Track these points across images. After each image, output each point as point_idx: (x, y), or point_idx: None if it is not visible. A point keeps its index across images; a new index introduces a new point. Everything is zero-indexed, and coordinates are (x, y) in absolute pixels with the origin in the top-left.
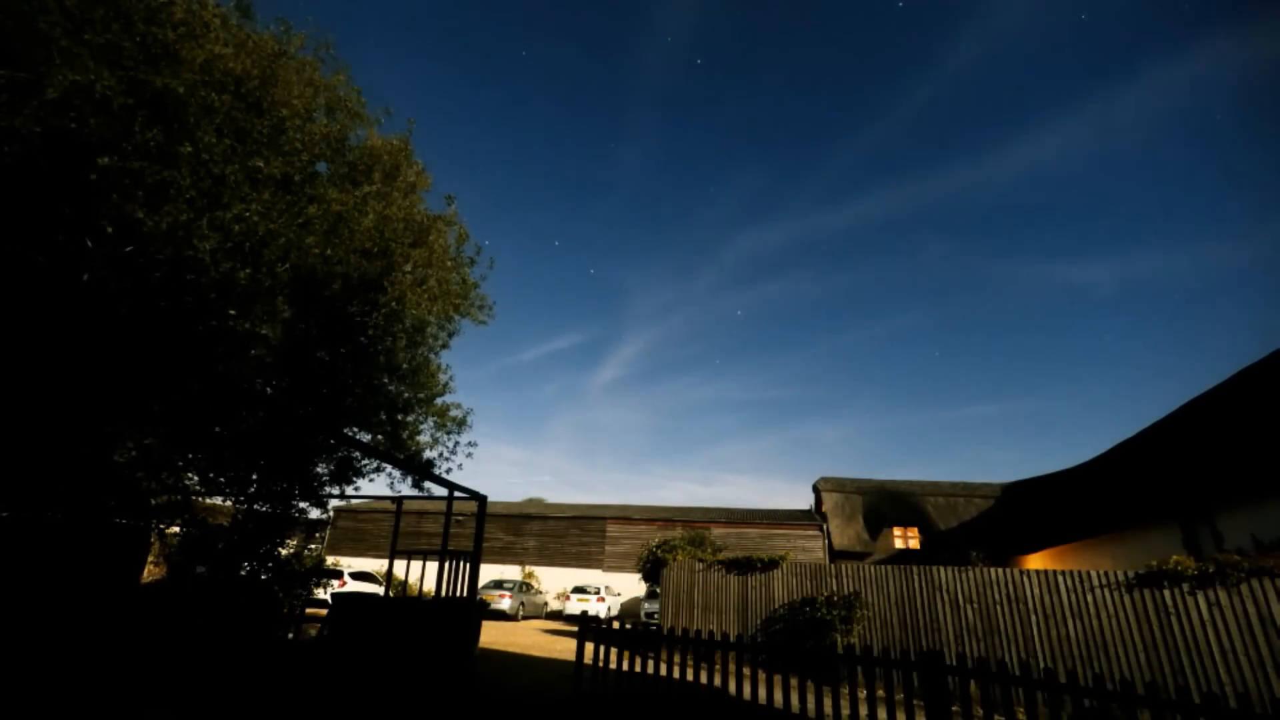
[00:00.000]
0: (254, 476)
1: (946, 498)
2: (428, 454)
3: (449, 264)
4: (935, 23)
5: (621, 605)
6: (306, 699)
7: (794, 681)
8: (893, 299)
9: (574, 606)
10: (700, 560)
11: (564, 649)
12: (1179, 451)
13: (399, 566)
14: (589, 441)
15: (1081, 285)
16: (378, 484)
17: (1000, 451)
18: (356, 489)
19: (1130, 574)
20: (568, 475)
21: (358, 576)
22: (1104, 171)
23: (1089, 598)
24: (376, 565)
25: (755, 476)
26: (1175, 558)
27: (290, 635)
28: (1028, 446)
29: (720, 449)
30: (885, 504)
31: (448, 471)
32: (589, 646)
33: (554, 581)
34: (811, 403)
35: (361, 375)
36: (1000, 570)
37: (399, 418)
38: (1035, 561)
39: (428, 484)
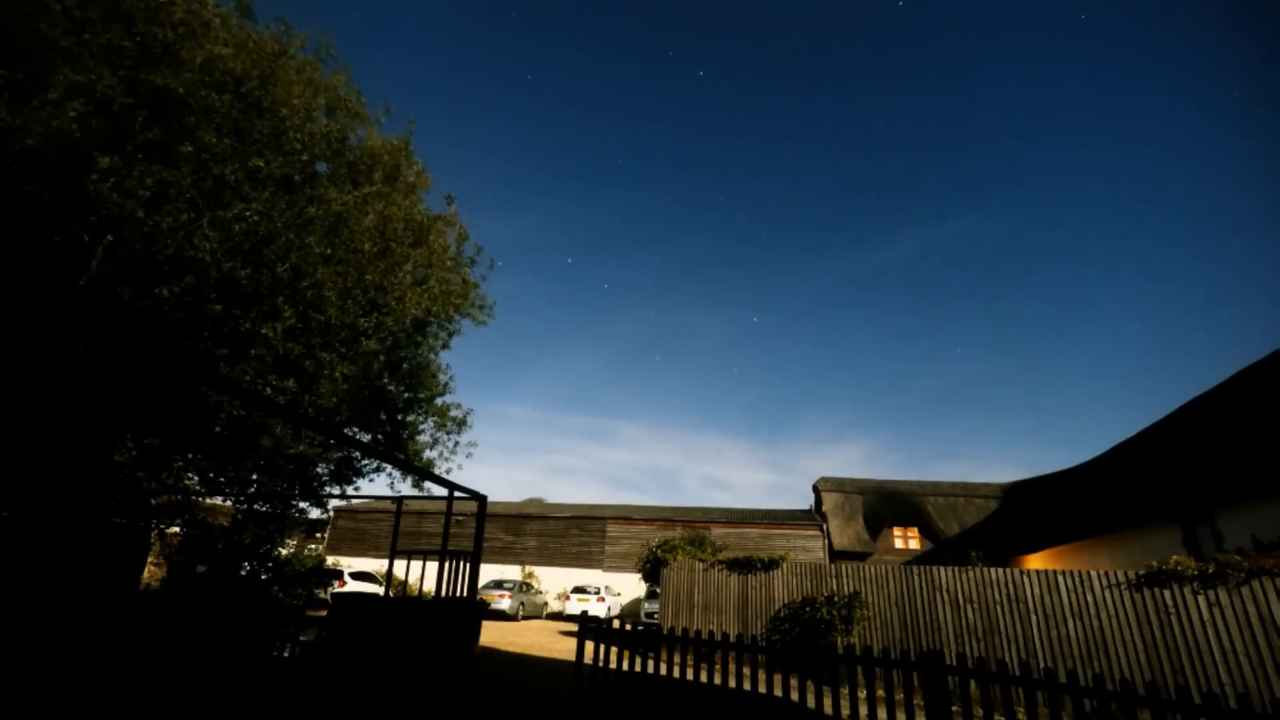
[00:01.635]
0: (254, 476)
1: (946, 498)
2: (428, 454)
3: (449, 264)
4: None
5: (622, 606)
6: (307, 699)
7: (794, 681)
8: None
9: (574, 606)
10: (700, 560)
11: (564, 649)
12: (1179, 451)
13: (399, 566)
14: None
15: (1079, 292)
16: (378, 484)
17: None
18: (356, 489)
19: (1130, 574)
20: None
21: (358, 576)
22: (1103, 172)
23: (1089, 598)
24: (376, 565)
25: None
26: (1175, 558)
27: (290, 635)
28: (1028, 445)
29: (604, 392)
30: (885, 504)
31: (448, 471)
32: (589, 646)
33: (554, 581)
34: (694, 297)
35: (362, 375)
36: (1000, 570)
37: (399, 418)
38: (1035, 561)
39: (428, 484)
